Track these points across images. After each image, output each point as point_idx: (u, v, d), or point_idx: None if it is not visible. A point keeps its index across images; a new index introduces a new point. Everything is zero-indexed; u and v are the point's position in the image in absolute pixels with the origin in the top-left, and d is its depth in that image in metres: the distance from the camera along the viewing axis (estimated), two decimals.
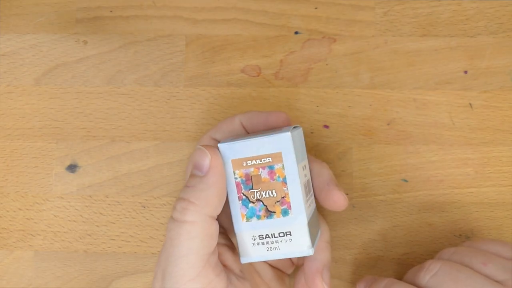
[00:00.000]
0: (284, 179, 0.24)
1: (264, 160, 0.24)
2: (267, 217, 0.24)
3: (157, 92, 0.34)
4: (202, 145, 0.24)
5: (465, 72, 0.34)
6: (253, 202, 0.24)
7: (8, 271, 0.33)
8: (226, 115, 0.34)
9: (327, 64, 0.34)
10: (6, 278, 0.33)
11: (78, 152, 0.34)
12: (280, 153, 0.24)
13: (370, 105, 0.34)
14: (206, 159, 0.24)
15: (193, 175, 0.24)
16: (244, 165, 0.24)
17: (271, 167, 0.24)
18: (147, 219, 0.33)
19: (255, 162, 0.24)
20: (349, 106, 0.34)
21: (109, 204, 0.33)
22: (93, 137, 0.34)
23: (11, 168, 0.34)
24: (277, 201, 0.24)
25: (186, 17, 0.35)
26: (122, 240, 0.33)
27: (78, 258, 0.33)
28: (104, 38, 0.35)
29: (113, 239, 0.33)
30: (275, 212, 0.24)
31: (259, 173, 0.24)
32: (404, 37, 0.35)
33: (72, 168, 0.34)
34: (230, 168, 0.24)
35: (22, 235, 0.33)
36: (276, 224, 0.24)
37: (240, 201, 0.25)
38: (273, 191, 0.24)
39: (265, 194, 0.24)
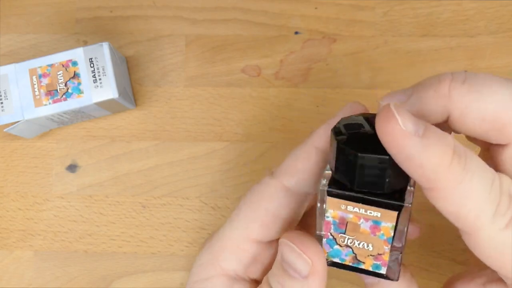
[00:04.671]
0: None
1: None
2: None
3: (157, 92, 0.34)
4: (297, 240, 0.20)
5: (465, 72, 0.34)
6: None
7: (8, 271, 0.33)
8: (226, 115, 0.34)
9: (327, 64, 0.34)
10: (6, 278, 0.33)
11: (78, 152, 0.34)
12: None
13: (370, 105, 0.33)
14: (307, 266, 0.20)
15: (290, 276, 0.20)
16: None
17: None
18: (147, 219, 0.33)
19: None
20: None
21: (109, 204, 0.33)
22: (93, 137, 0.34)
23: (11, 168, 0.34)
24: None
25: (186, 17, 0.35)
26: (122, 240, 0.33)
27: (78, 258, 0.33)
28: (104, 38, 0.35)
29: (113, 239, 0.33)
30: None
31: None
32: (404, 37, 0.35)
33: (72, 168, 0.34)
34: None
35: (22, 235, 0.33)
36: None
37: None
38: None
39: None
